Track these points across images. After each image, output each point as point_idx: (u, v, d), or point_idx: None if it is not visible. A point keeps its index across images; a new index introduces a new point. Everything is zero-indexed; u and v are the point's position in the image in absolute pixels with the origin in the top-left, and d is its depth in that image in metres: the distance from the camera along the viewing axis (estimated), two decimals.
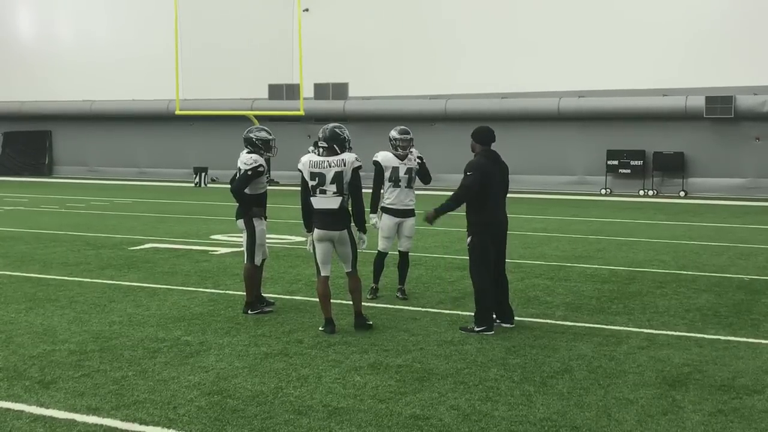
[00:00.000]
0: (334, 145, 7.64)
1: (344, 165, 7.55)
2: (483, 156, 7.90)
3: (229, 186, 8.77)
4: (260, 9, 34.31)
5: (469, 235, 7.88)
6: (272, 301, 8.73)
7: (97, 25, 40.08)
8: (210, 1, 35.27)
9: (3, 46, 41.33)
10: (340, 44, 34.36)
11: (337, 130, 7.72)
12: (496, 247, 7.95)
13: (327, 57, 33.84)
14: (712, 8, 30.05)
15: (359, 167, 7.62)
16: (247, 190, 8.43)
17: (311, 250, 7.80)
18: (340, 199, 7.55)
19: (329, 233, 7.60)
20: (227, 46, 35.11)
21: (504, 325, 8.02)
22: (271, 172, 8.98)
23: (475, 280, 7.83)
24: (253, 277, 8.46)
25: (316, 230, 7.64)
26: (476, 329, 7.65)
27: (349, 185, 7.58)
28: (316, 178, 7.57)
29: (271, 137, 8.71)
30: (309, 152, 7.85)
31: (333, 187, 7.54)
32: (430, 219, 7.96)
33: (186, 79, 31.53)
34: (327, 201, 7.56)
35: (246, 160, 8.42)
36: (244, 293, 8.58)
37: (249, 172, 8.34)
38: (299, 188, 7.85)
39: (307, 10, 34.02)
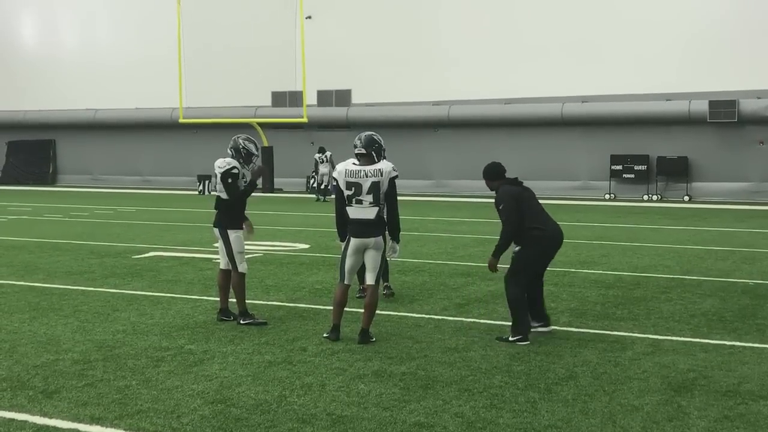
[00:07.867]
0: (372, 152, 7.52)
1: (381, 175, 7.42)
2: (506, 184, 7.92)
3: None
4: (263, 17, 34.35)
5: (517, 246, 7.80)
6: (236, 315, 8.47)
7: (101, 34, 40.19)
8: (213, 9, 35.34)
9: (7, 55, 41.45)
10: (343, 51, 34.40)
11: (374, 136, 7.64)
12: (547, 258, 7.98)
13: (330, 64, 33.86)
14: (714, 12, 30.05)
15: (396, 176, 7.54)
16: (222, 195, 8.40)
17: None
18: (376, 209, 7.42)
19: (365, 240, 7.48)
20: (230, 53, 35.19)
21: (541, 329, 7.91)
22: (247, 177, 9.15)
23: (510, 290, 7.73)
24: (241, 285, 8.39)
25: (352, 239, 7.54)
26: (510, 339, 7.53)
27: (385, 195, 7.47)
28: (353, 188, 7.44)
29: (256, 153, 8.66)
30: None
31: (369, 198, 7.41)
32: (492, 266, 7.83)
33: (189, 87, 31.58)
34: (363, 211, 7.44)
35: (219, 163, 8.42)
36: (238, 302, 8.41)
37: (229, 180, 8.34)
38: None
39: (309, 17, 34.03)
